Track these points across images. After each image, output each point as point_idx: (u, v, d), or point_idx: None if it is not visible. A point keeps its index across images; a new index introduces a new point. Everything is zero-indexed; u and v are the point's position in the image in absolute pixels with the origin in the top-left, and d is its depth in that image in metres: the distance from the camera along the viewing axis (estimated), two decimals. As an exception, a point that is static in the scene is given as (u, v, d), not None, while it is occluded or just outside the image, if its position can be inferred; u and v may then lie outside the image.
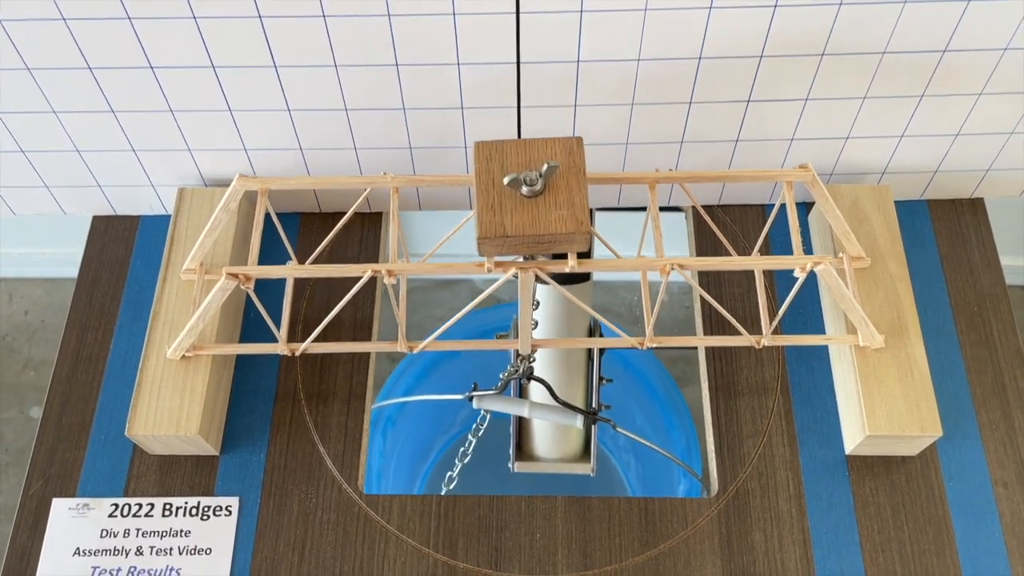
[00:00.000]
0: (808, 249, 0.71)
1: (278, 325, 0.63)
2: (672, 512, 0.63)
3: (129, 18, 0.58)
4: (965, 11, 0.58)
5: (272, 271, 0.55)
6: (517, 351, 0.80)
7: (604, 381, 0.97)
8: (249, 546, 0.62)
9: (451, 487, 0.84)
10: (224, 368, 0.66)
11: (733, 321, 0.60)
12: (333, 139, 0.67)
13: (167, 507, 0.64)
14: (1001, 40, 0.60)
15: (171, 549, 0.62)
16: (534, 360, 0.77)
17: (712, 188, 0.73)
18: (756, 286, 0.65)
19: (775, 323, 0.60)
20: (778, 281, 0.71)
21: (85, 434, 0.66)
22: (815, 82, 0.63)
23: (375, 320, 0.71)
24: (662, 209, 0.95)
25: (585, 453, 0.92)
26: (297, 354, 0.62)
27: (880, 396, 0.62)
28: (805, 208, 0.74)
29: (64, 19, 0.58)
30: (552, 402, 0.82)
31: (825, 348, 0.68)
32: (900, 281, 0.65)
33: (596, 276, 0.91)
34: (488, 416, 0.88)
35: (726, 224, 0.74)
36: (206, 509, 0.64)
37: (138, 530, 0.63)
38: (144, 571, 0.62)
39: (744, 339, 0.62)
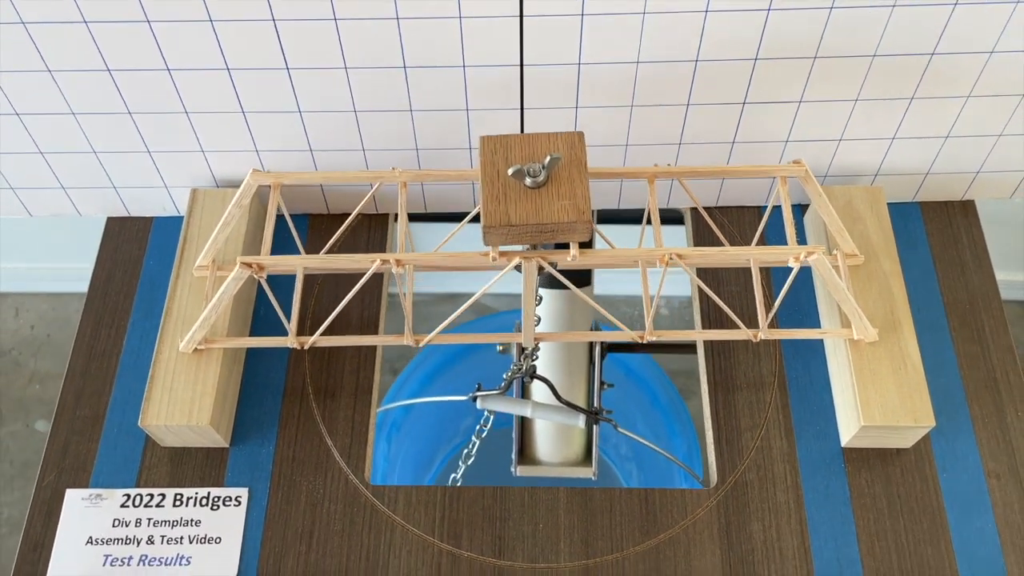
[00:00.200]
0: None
1: (288, 320, 0.65)
2: (672, 503, 0.65)
3: (148, 21, 0.60)
4: (951, 15, 0.60)
5: (284, 260, 0.57)
6: (520, 350, 0.82)
7: (605, 386, 0.99)
8: (258, 535, 0.64)
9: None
10: (234, 363, 0.68)
11: (730, 313, 0.62)
12: (342, 140, 0.69)
13: (178, 497, 0.65)
14: (987, 44, 0.62)
15: (181, 538, 0.64)
16: (536, 358, 0.79)
17: (710, 190, 0.75)
18: (753, 283, 0.67)
19: (771, 315, 0.62)
20: (775, 280, 0.72)
21: (98, 427, 0.68)
22: (808, 84, 0.65)
23: (381, 319, 0.73)
24: (662, 221, 0.98)
25: (587, 457, 0.93)
26: (306, 347, 0.64)
27: (874, 388, 0.63)
28: (800, 210, 0.76)
29: (85, 22, 0.60)
30: (554, 402, 0.83)
31: (821, 345, 0.70)
32: (893, 277, 0.67)
33: (597, 290, 0.93)
34: (492, 417, 0.90)
35: (723, 225, 0.76)
36: (216, 499, 0.65)
37: (149, 520, 0.64)
38: (155, 559, 0.63)
39: (741, 333, 0.64)
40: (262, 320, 0.72)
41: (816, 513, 0.64)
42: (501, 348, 0.92)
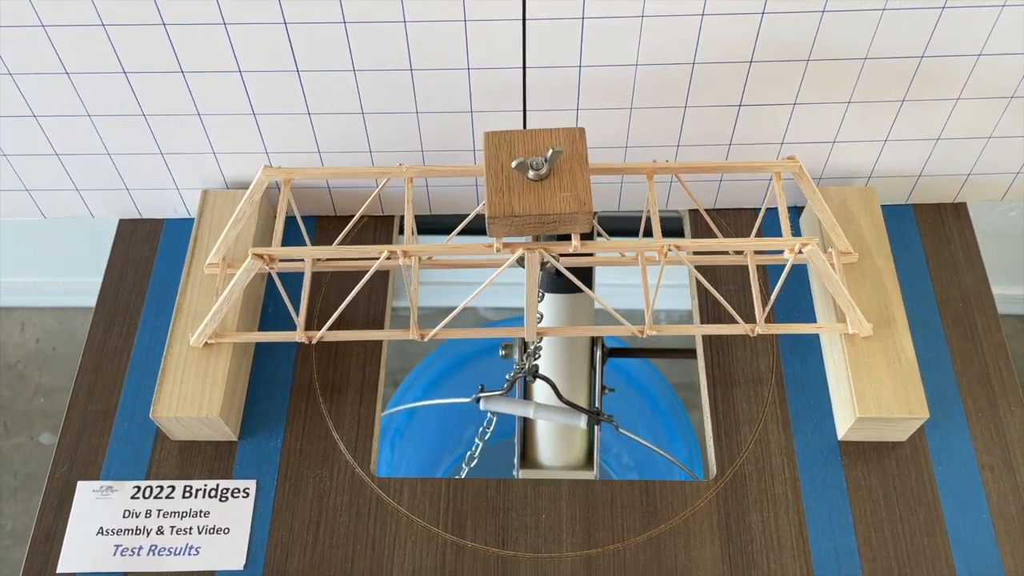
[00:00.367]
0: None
1: (296, 314, 0.66)
2: (672, 494, 0.66)
3: (164, 24, 0.62)
4: (940, 18, 0.62)
5: (295, 252, 0.59)
6: (524, 348, 0.83)
7: (606, 390, 1.00)
8: (266, 526, 0.65)
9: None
10: (243, 358, 0.70)
11: (727, 307, 0.63)
12: (350, 142, 0.71)
13: (187, 489, 0.66)
14: (975, 47, 0.64)
15: (191, 529, 0.65)
16: (539, 356, 0.81)
17: (707, 193, 0.77)
18: (749, 282, 0.68)
19: (768, 309, 0.64)
20: (771, 278, 0.74)
21: (109, 422, 0.69)
22: (802, 87, 0.67)
23: (386, 317, 0.74)
24: (664, 233, 1.00)
25: (588, 460, 0.94)
26: (314, 341, 0.65)
27: (869, 381, 0.65)
28: (796, 212, 0.78)
29: (103, 25, 0.62)
30: (556, 403, 0.85)
31: (817, 342, 0.72)
32: (887, 275, 0.69)
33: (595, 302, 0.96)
34: (495, 419, 0.91)
35: (721, 226, 0.78)
36: (224, 491, 0.66)
37: (159, 511, 0.66)
38: (165, 549, 0.64)
39: (739, 327, 0.65)
40: (270, 318, 0.74)
41: (814, 504, 0.65)
42: (504, 353, 0.94)
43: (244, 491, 0.66)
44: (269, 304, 0.74)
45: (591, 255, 0.73)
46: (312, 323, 0.73)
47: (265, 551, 0.64)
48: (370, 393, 0.70)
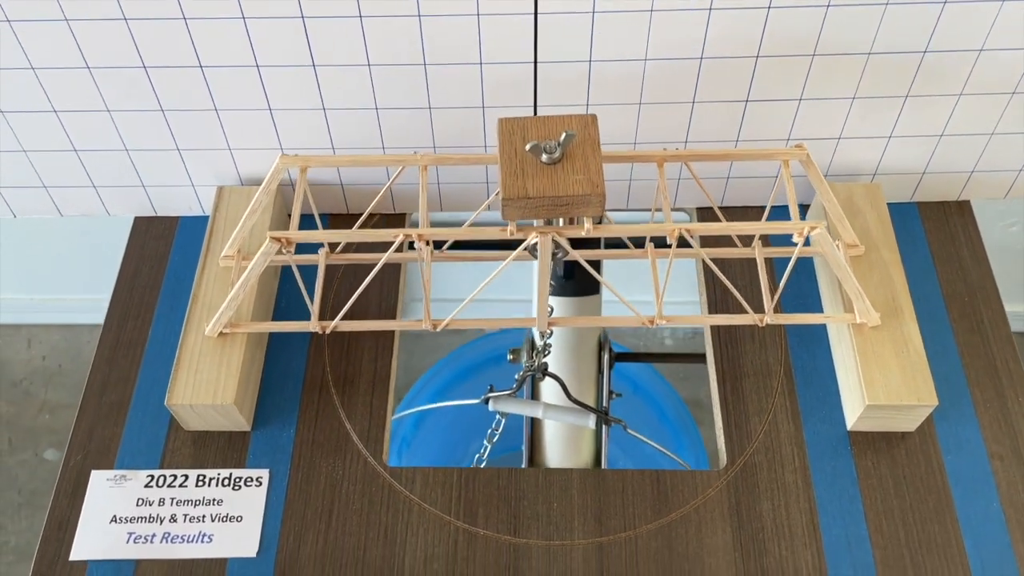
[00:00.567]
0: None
1: (311, 302, 0.67)
2: (683, 483, 0.66)
3: (184, 18, 0.64)
4: (941, 14, 0.64)
5: (311, 235, 0.60)
6: (532, 348, 0.84)
7: (614, 395, 1.00)
8: (278, 514, 0.65)
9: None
10: (257, 349, 0.70)
11: (737, 295, 0.64)
12: (363, 139, 0.72)
13: (200, 478, 0.67)
14: (976, 42, 0.66)
15: (204, 517, 0.65)
16: (548, 353, 0.81)
17: (714, 191, 0.78)
18: (758, 272, 0.69)
19: (776, 298, 0.64)
20: (778, 270, 0.75)
21: (123, 412, 0.70)
22: (807, 82, 0.68)
23: (399, 312, 0.75)
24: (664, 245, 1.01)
25: (596, 464, 0.94)
26: (327, 331, 0.66)
27: (878, 369, 0.65)
28: (803, 209, 0.79)
29: (125, 19, 0.64)
30: (565, 403, 0.85)
31: (825, 335, 0.72)
32: (893, 266, 0.70)
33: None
34: (503, 421, 0.91)
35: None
36: (238, 480, 0.67)
37: (172, 499, 0.66)
38: (178, 537, 0.64)
39: (748, 317, 0.66)
40: (283, 313, 0.75)
41: (824, 493, 0.65)
42: (511, 358, 0.94)
43: (257, 480, 0.67)
44: (282, 299, 0.75)
45: (599, 246, 0.74)
46: (325, 317, 0.74)
47: (278, 539, 0.64)
48: (382, 385, 0.71)
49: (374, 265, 0.64)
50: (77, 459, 0.68)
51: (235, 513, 0.65)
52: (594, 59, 0.66)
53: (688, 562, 0.63)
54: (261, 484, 0.67)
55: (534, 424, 0.98)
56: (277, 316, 0.75)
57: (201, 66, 0.67)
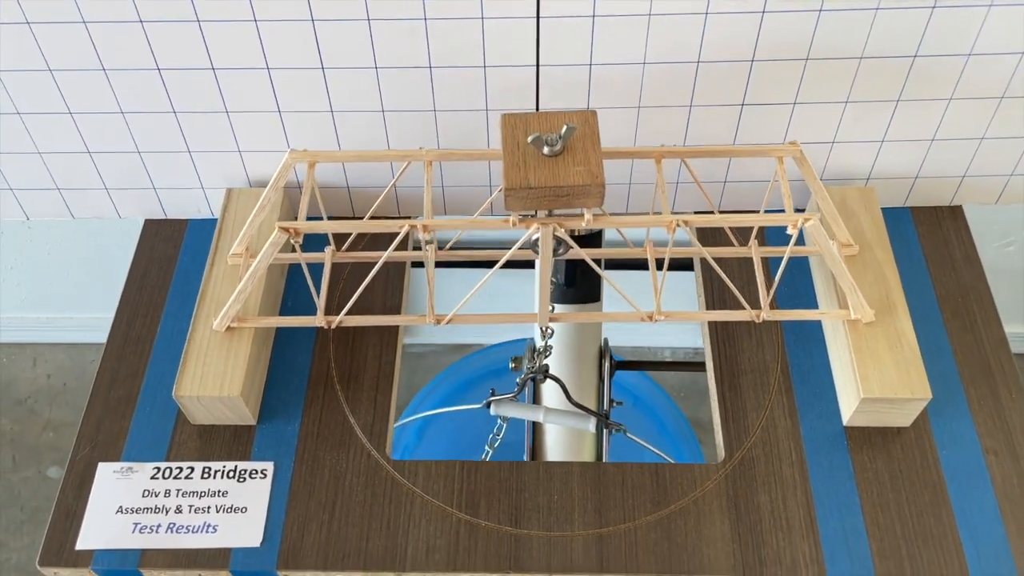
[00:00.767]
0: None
1: (316, 306, 0.68)
2: (682, 476, 0.67)
3: (198, 20, 0.66)
4: (930, 18, 0.66)
5: (319, 226, 0.61)
6: (533, 351, 0.85)
7: (614, 404, 1.01)
8: (282, 505, 0.66)
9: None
10: (264, 346, 0.72)
11: (733, 289, 0.66)
12: (370, 140, 0.74)
13: (206, 470, 0.68)
14: (964, 46, 0.68)
15: (209, 508, 0.66)
16: (549, 353, 0.82)
17: (712, 195, 0.80)
18: (754, 271, 0.71)
19: (772, 292, 0.66)
20: (774, 270, 0.76)
21: (131, 406, 0.71)
22: (801, 86, 0.70)
23: (403, 310, 0.77)
24: (672, 267, 1.03)
25: (597, 470, 0.95)
26: (333, 326, 0.67)
27: (872, 364, 0.66)
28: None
29: (141, 21, 0.66)
30: (566, 406, 0.86)
31: (821, 334, 0.73)
32: (887, 265, 0.71)
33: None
34: (504, 426, 0.92)
35: (726, 231, 0.80)
36: (243, 472, 0.68)
37: (178, 491, 0.67)
38: (183, 527, 0.65)
39: (744, 313, 0.67)
40: (289, 312, 0.76)
41: (821, 486, 0.66)
42: (513, 366, 0.96)
43: (262, 472, 0.68)
44: (288, 299, 0.77)
45: (600, 246, 0.75)
46: (330, 315, 0.75)
47: (282, 529, 0.65)
48: (386, 381, 0.72)
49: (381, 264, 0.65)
50: (85, 452, 0.69)
51: (240, 504, 0.66)
52: (594, 62, 0.69)
53: (687, 552, 0.64)
54: (266, 476, 0.67)
55: (535, 431, 0.99)
56: (283, 315, 0.76)
57: (213, 68, 0.69)
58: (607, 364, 1.00)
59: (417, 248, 0.78)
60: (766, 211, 0.71)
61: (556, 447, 0.97)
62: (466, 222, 0.61)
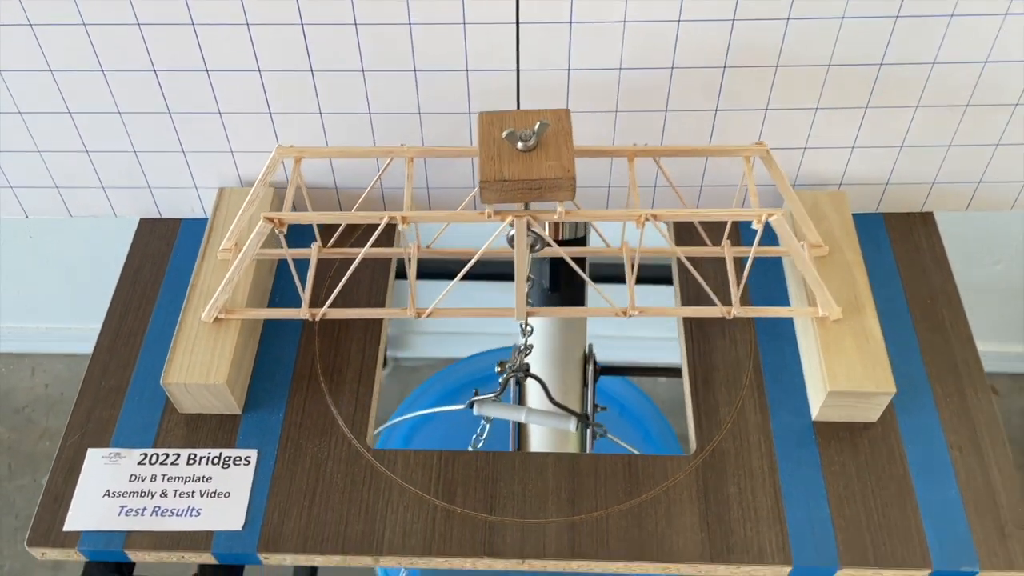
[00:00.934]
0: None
1: (302, 299, 0.71)
2: (654, 467, 0.69)
3: (193, 24, 0.69)
4: (894, 28, 0.69)
5: (303, 216, 0.64)
6: (517, 349, 0.87)
7: (598, 409, 1.03)
8: (264, 491, 0.68)
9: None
10: (250, 338, 0.74)
11: (705, 287, 0.68)
12: (357, 140, 0.77)
13: (191, 457, 0.70)
14: (929, 55, 0.71)
15: (193, 492, 0.68)
16: (529, 354, 0.84)
17: (688, 198, 0.82)
18: (727, 268, 0.73)
19: (741, 287, 0.68)
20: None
21: (121, 396, 0.73)
22: (772, 92, 0.73)
23: (387, 304, 0.79)
24: (650, 280, 1.05)
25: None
26: (317, 318, 0.70)
27: (840, 359, 0.68)
28: (773, 219, 0.83)
29: (139, 24, 0.69)
30: (547, 407, 0.88)
31: (793, 334, 0.76)
32: (856, 267, 0.73)
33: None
34: (488, 426, 0.94)
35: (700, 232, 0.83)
36: (227, 459, 0.70)
37: (164, 476, 0.69)
38: (167, 511, 0.67)
39: (716, 310, 0.70)
40: (276, 307, 0.78)
41: (789, 478, 0.68)
42: (499, 370, 0.98)
43: (245, 459, 0.70)
44: (276, 295, 0.79)
45: (583, 245, 0.78)
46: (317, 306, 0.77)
47: (263, 513, 0.67)
48: (368, 374, 0.74)
49: (365, 259, 0.68)
50: (74, 439, 0.71)
51: (223, 489, 0.68)
52: (572, 67, 0.71)
53: (656, 540, 0.65)
54: (249, 463, 0.69)
55: (520, 434, 1.01)
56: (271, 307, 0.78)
57: (207, 69, 0.72)
58: (591, 369, 1.02)
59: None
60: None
61: (539, 449, 0.99)
62: (443, 215, 0.63)
